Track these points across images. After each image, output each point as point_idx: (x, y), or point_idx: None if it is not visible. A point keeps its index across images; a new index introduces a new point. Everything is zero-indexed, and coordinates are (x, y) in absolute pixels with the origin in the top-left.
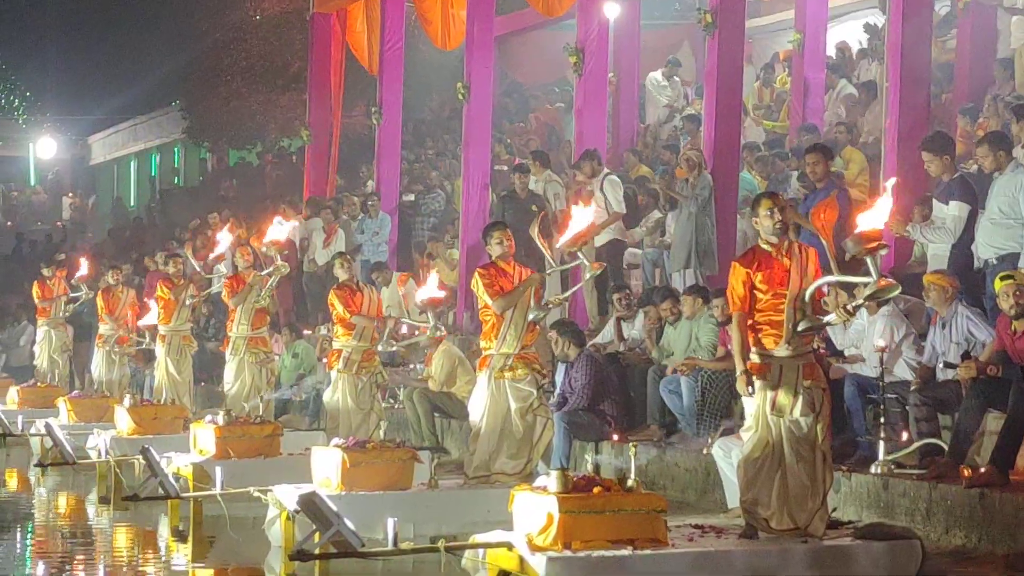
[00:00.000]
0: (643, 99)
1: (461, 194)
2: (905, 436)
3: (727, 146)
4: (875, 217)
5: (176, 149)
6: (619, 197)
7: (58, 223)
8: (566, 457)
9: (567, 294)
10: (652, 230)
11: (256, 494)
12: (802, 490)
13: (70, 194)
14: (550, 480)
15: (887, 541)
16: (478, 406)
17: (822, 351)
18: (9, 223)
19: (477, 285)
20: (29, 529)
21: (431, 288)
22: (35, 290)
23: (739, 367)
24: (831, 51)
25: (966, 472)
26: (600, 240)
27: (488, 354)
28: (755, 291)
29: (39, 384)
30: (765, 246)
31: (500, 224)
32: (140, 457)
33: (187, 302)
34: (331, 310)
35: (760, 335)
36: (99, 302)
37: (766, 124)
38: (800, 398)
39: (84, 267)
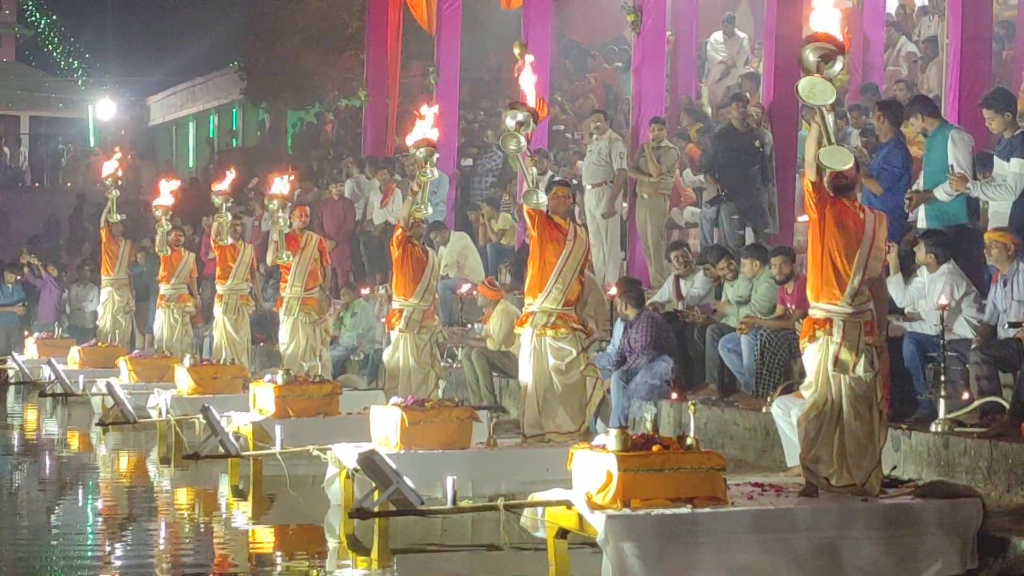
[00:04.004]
0: (702, 58)
1: None
2: (966, 395)
3: (786, 104)
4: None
5: (234, 110)
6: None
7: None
8: (624, 416)
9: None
10: (706, 183)
11: (316, 453)
12: (859, 448)
13: (129, 156)
14: (609, 439)
15: (948, 499)
16: (524, 364)
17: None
18: (68, 184)
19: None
20: (91, 488)
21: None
22: (104, 241)
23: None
24: (891, 8)
25: None
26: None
27: (530, 311)
28: (827, 231)
29: (100, 344)
30: (841, 198)
31: (563, 182)
32: (200, 416)
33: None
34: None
35: (822, 292)
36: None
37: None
38: (863, 355)
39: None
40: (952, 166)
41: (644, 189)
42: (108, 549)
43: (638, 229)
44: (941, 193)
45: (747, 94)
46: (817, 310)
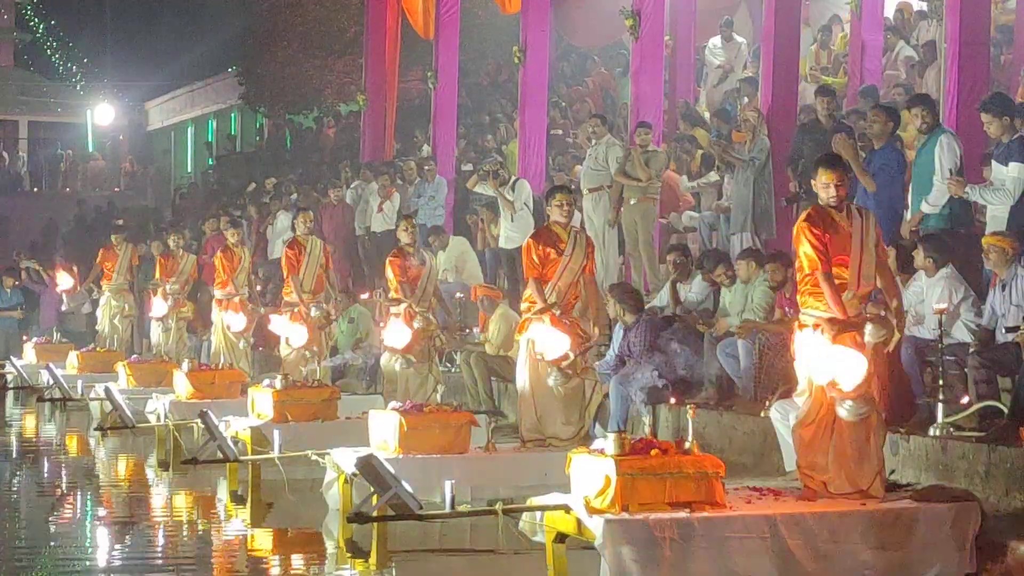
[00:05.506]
0: (700, 62)
1: (517, 158)
2: (964, 399)
3: (784, 109)
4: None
5: (233, 115)
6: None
7: (116, 189)
8: (623, 420)
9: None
10: (704, 188)
11: (314, 457)
12: (859, 452)
13: (129, 160)
14: (607, 443)
15: (946, 504)
16: (521, 370)
17: (883, 314)
18: (67, 189)
19: (524, 255)
20: (89, 493)
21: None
22: (100, 256)
23: (836, 315)
24: (889, 12)
25: None
26: None
27: (528, 318)
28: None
29: (98, 349)
30: (828, 208)
31: (563, 188)
32: (199, 421)
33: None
34: (386, 279)
35: (817, 299)
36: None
37: (825, 80)
38: None
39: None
40: (950, 171)
41: (633, 194)
42: (106, 554)
43: (627, 234)
44: (926, 206)
45: (832, 88)
46: (807, 316)
